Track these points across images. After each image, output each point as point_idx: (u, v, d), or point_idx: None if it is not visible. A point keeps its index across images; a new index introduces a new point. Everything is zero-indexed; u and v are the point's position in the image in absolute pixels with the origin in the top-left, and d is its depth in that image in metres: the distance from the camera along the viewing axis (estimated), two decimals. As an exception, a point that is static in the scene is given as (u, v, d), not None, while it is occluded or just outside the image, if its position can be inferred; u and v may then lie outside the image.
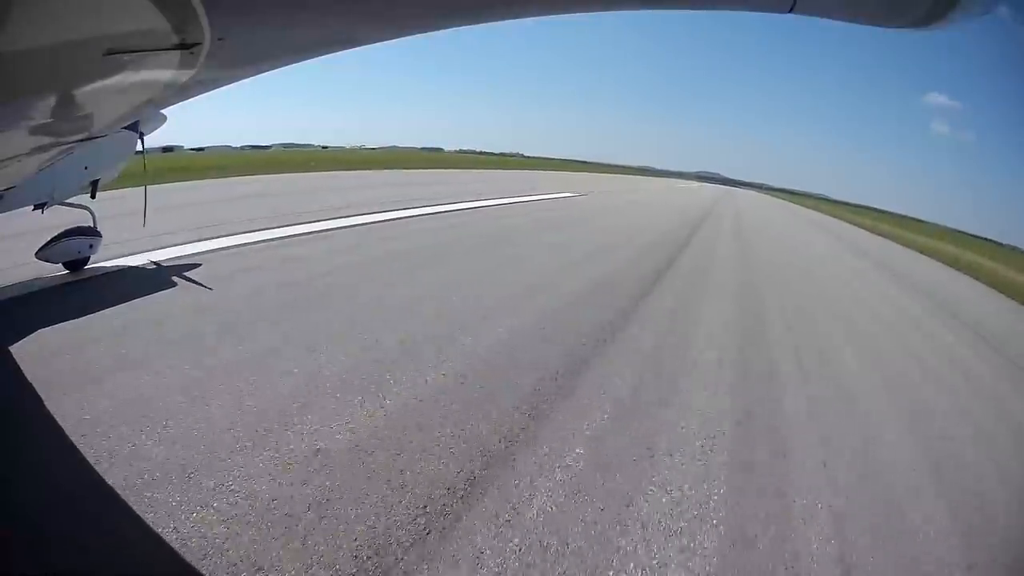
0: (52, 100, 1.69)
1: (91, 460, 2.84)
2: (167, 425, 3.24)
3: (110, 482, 2.70)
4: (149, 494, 2.66)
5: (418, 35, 1.75)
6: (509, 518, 2.89)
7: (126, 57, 1.35)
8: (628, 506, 3.16)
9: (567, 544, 2.76)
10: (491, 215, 14.26)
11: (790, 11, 1.25)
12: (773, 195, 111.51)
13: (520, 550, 2.67)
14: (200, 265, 6.48)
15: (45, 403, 3.30)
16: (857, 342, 7.84)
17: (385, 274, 7.16)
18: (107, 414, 3.26)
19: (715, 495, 3.38)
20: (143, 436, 3.11)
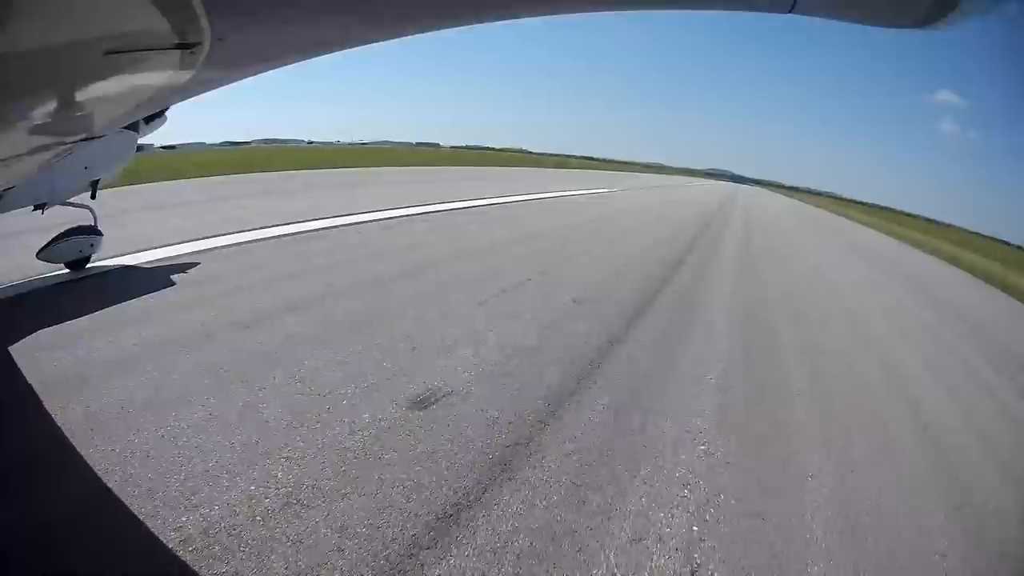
0: (52, 100, 1.68)
1: (89, 460, 2.85)
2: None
3: (108, 482, 2.71)
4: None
5: (418, 35, 1.75)
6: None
7: (126, 57, 1.34)
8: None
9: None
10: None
11: (790, 11, 1.25)
12: (778, 191, 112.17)
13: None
14: (199, 264, 6.48)
15: (43, 403, 3.30)
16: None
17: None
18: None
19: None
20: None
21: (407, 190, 16.63)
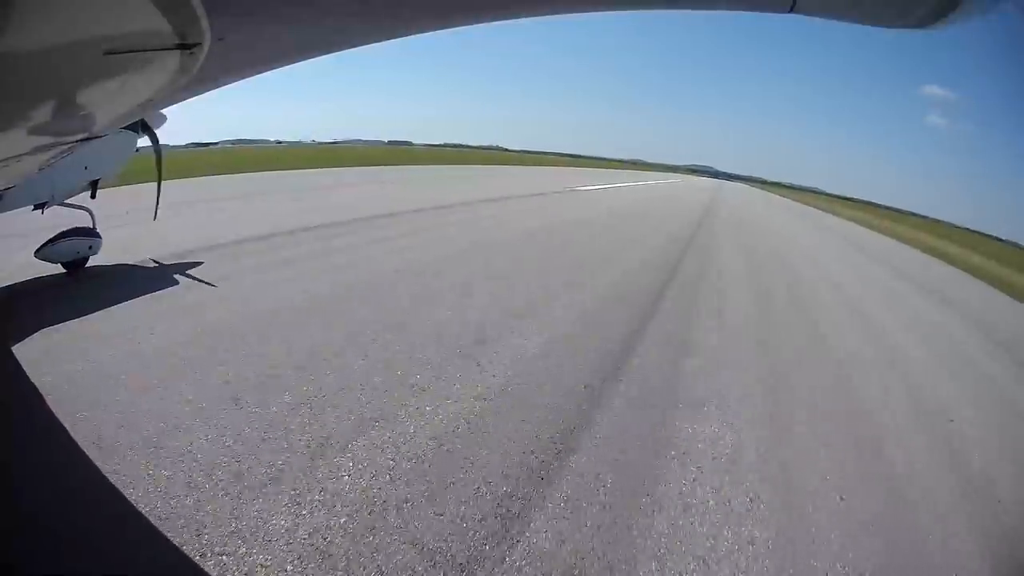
0: (52, 100, 1.68)
1: (93, 458, 2.85)
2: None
3: (111, 480, 2.71)
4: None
5: (417, 35, 1.75)
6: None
7: (126, 57, 1.34)
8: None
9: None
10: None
11: (790, 11, 1.25)
12: (761, 187, 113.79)
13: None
14: (202, 263, 6.47)
15: (46, 401, 3.31)
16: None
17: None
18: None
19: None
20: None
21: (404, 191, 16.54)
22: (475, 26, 1.69)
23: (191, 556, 2.34)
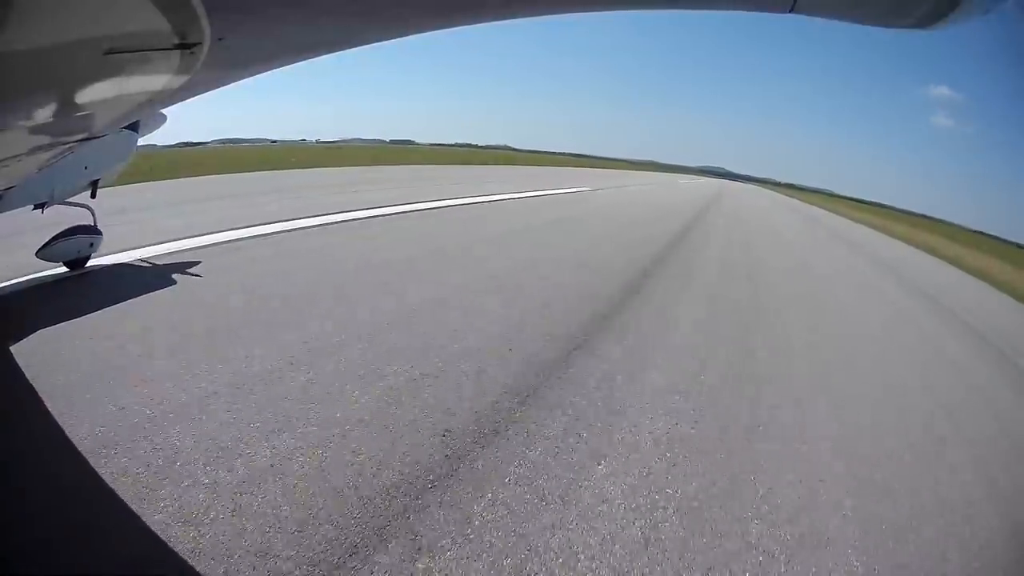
0: (52, 100, 1.68)
1: (91, 460, 2.85)
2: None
3: (110, 482, 2.71)
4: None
5: (419, 35, 1.75)
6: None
7: (126, 57, 1.35)
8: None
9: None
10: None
11: (790, 11, 1.25)
12: (772, 188, 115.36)
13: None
14: (200, 262, 6.46)
15: (45, 403, 3.30)
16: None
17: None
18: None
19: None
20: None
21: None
22: (476, 26, 1.69)
23: (191, 555, 2.35)
